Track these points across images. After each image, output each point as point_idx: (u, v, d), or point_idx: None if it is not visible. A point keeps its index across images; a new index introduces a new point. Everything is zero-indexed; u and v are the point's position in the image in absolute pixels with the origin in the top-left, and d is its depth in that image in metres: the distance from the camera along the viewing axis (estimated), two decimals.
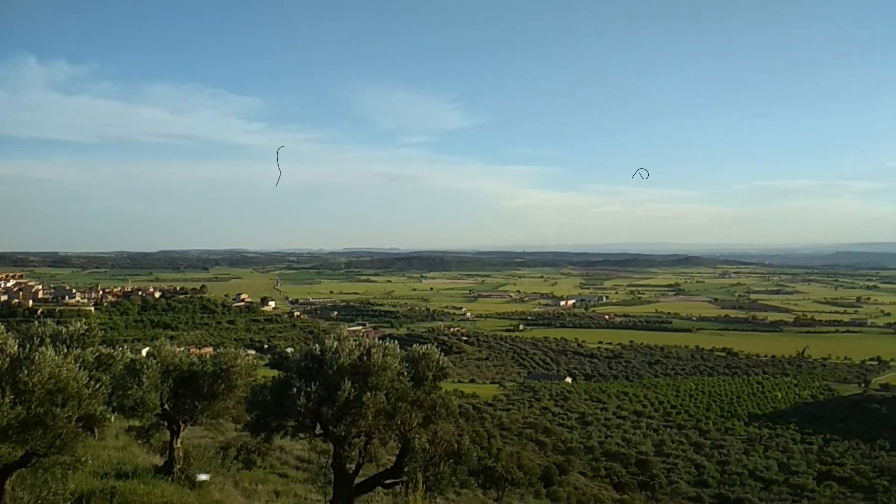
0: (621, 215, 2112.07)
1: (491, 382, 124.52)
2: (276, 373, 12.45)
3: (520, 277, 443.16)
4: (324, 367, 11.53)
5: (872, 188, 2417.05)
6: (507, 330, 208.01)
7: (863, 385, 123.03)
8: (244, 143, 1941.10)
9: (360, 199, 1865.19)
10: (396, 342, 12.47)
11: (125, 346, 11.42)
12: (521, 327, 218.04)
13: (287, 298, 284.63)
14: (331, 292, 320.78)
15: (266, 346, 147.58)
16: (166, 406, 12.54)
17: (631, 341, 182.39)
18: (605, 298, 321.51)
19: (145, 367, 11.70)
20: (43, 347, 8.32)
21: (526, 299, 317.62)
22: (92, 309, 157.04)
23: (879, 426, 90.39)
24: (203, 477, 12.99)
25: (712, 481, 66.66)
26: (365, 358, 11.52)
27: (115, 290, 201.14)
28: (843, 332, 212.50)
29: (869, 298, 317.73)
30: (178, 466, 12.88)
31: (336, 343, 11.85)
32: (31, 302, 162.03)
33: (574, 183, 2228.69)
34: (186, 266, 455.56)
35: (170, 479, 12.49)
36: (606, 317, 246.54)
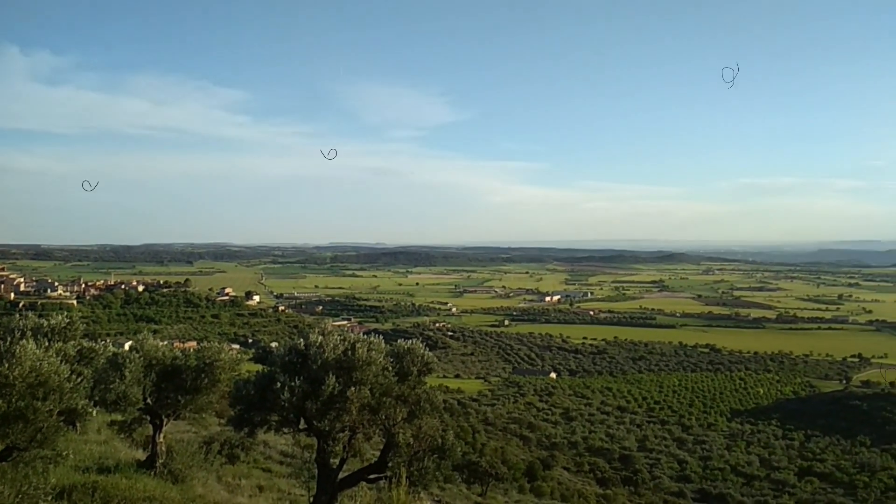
0: (607, 211, 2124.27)
1: (476, 378, 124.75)
2: (260, 367, 12.37)
3: (505, 273, 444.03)
4: (308, 362, 11.49)
5: (855, 186, 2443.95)
6: (493, 325, 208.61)
7: (844, 382, 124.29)
8: (229, 135, 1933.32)
9: (346, 193, 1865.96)
10: (381, 337, 12.44)
11: (108, 340, 11.36)
12: (507, 323, 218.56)
13: (272, 293, 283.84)
14: (316, 287, 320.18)
15: (250, 341, 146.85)
16: (149, 400, 12.46)
17: (615, 337, 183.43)
18: (589, 294, 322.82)
19: (128, 361, 11.62)
20: (24, 341, 8.23)
21: (511, 295, 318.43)
22: (74, 302, 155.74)
23: (860, 423, 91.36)
24: None
25: (695, 476, 67.19)
26: (349, 353, 11.49)
27: (97, 283, 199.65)
28: (824, 329, 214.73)
29: (851, 296, 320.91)
30: (160, 461, 12.81)
31: (320, 338, 11.81)
32: (12, 295, 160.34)
33: (560, 179, 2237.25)
34: (170, 259, 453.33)
35: (152, 473, 12.42)
36: (591, 313, 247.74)
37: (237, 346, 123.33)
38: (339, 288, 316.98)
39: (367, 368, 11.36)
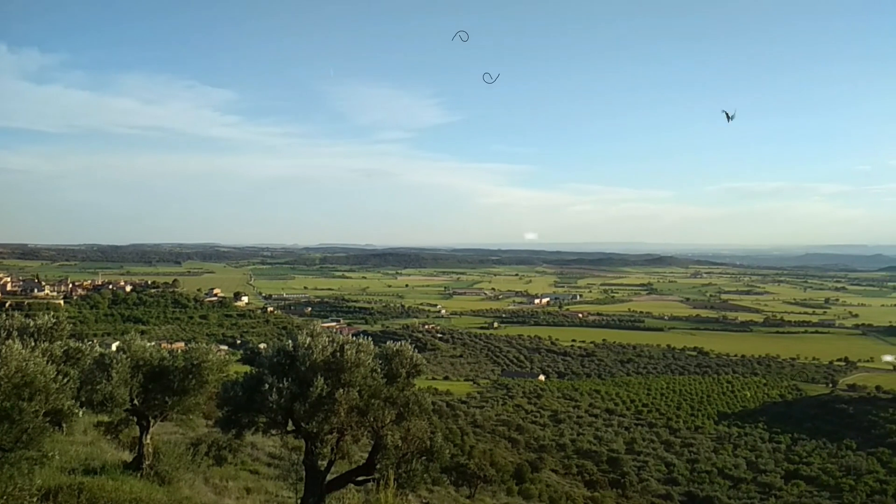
0: (595, 214, 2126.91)
1: (465, 380, 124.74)
2: (248, 369, 12.35)
3: (495, 275, 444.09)
4: (296, 364, 11.48)
5: (841, 191, 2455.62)
6: (482, 327, 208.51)
7: (830, 385, 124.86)
8: (218, 135, 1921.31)
9: (336, 194, 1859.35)
10: (370, 339, 12.45)
11: (95, 341, 11.30)
12: (496, 325, 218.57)
13: (260, 294, 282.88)
14: (305, 288, 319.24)
15: (238, 342, 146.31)
16: (136, 401, 12.40)
17: (604, 340, 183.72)
18: (578, 297, 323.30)
19: (115, 361, 11.57)
20: (10, 341, 8.20)
21: (500, 297, 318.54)
22: (61, 302, 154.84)
23: (846, 426, 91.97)
24: None
25: (682, 479, 67.47)
26: (338, 354, 11.49)
27: (85, 283, 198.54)
28: (811, 332, 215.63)
29: (837, 300, 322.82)
30: (147, 462, 12.74)
31: (309, 339, 11.81)
32: None
33: (549, 181, 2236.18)
34: (158, 260, 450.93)
35: (139, 475, 12.36)
36: (580, 315, 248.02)
37: (225, 348, 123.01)
38: (329, 289, 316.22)
39: (356, 370, 11.36)
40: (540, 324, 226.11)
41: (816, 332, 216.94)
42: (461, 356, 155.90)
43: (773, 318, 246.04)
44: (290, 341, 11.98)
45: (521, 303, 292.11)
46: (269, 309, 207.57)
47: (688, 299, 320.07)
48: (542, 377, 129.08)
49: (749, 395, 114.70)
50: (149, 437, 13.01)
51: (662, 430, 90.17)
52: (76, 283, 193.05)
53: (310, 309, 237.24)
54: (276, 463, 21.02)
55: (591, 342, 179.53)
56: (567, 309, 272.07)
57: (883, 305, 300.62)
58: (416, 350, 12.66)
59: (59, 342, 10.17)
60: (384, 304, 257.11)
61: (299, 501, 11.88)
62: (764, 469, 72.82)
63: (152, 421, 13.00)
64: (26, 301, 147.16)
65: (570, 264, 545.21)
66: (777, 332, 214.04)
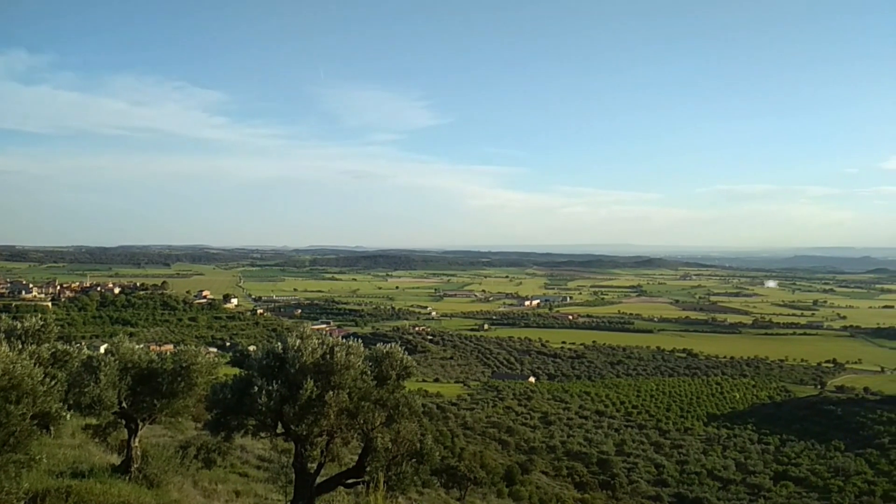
0: (586, 216, 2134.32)
1: (455, 382, 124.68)
2: (237, 371, 12.30)
3: (485, 277, 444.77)
4: (286, 366, 11.45)
5: (829, 194, 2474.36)
6: (472, 329, 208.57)
7: (819, 387, 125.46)
8: (208, 137, 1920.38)
9: (326, 196, 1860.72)
10: (360, 341, 12.43)
11: (83, 343, 11.25)
12: (486, 327, 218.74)
13: (250, 296, 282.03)
14: (295, 290, 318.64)
15: (228, 344, 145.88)
16: (124, 404, 12.33)
17: (594, 342, 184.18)
18: (568, 299, 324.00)
19: (103, 364, 11.50)
20: None
21: (491, 299, 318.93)
22: (49, 304, 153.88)
23: (834, 427, 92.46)
24: None
25: (672, 480, 67.65)
26: (328, 356, 11.46)
27: (73, 285, 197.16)
28: (800, 334, 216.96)
29: (826, 302, 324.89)
30: (135, 465, 12.67)
31: (299, 341, 11.77)
32: None
33: (539, 183, 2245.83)
34: (147, 261, 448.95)
35: (127, 478, 12.28)
36: (570, 317, 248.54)
37: (214, 350, 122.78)
38: (319, 291, 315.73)
39: (346, 372, 11.34)
40: (530, 326, 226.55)
41: (805, 333, 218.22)
42: (451, 358, 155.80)
43: (761, 320, 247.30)
44: (279, 343, 11.94)
45: (511, 305, 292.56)
46: (259, 311, 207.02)
47: (677, 301, 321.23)
48: (532, 379, 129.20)
49: (738, 396, 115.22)
50: (137, 440, 12.94)
51: (652, 431, 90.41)
52: (64, 285, 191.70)
53: (299, 311, 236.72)
54: (266, 466, 20.94)
55: (581, 344, 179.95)
56: (557, 311, 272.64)
57: (871, 307, 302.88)
58: (407, 352, 12.65)
59: (46, 344, 10.11)
60: (374, 306, 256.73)
61: None
62: (753, 470, 73.11)
63: (141, 424, 12.93)
64: (14, 303, 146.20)
65: (560, 266, 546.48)
66: (766, 334, 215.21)
